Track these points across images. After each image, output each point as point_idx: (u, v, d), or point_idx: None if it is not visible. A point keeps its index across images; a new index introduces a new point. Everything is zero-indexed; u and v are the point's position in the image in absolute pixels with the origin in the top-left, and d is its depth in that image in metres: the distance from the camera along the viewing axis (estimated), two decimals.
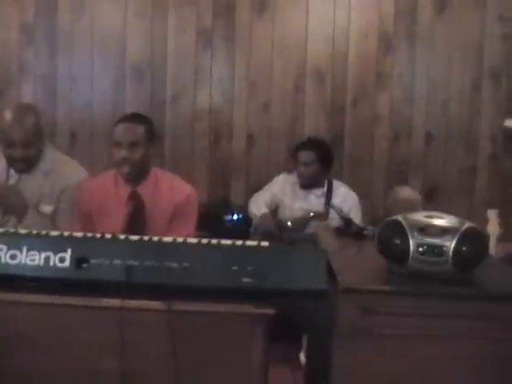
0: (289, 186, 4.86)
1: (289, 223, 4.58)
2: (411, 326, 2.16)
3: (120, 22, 5.26)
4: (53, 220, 3.39)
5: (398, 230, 2.26)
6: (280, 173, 5.00)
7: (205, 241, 2.24)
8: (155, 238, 2.29)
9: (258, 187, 5.08)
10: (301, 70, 5.26)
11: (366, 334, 2.15)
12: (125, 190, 3.30)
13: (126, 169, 3.25)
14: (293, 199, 4.82)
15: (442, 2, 5.16)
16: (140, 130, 3.29)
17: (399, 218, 2.30)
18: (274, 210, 4.85)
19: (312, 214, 4.64)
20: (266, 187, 4.97)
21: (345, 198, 4.70)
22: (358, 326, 2.15)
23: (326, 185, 4.79)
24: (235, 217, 5.09)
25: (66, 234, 2.32)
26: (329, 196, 4.75)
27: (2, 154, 3.45)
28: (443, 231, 2.23)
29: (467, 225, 2.27)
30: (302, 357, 4.35)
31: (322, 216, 4.62)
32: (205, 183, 5.32)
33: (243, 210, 5.10)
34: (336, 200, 4.68)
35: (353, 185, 4.96)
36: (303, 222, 4.62)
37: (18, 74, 5.36)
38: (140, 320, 2.17)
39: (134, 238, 2.28)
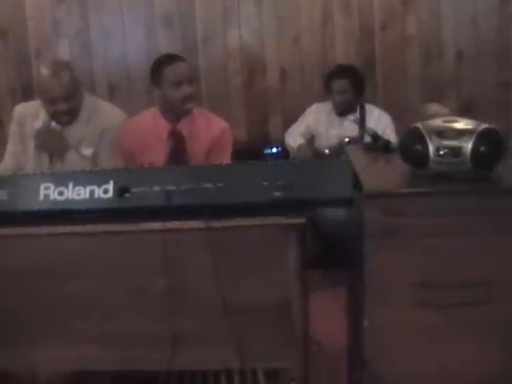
0: (323, 114, 4.97)
1: (326, 151, 4.71)
2: (436, 224, 2.27)
3: None
4: (94, 162, 3.57)
5: (417, 135, 2.36)
6: (312, 103, 5.10)
7: (236, 163, 2.38)
8: (189, 166, 2.45)
9: (294, 119, 5.19)
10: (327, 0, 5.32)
11: (393, 234, 2.27)
12: (165, 127, 3.48)
13: (191, 105, 3.46)
14: (328, 127, 4.93)
15: None
16: (190, 66, 3.60)
17: (418, 124, 2.41)
18: (310, 139, 4.97)
19: (347, 139, 4.75)
20: (300, 118, 5.08)
21: (379, 120, 4.79)
22: (384, 228, 2.27)
23: (358, 109, 4.88)
24: (274, 150, 5.22)
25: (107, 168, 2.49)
26: (363, 120, 4.83)
27: (42, 109, 3.62)
28: (460, 133, 2.33)
29: (484, 126, 2.36)
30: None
31: (358, 140, 4.73)
32: (243, 121, 5.46)
33: (282, 143, 5.23)
34: (370, 123, 4.75)
35: (387, 107, 5.06)
36: (340, 148, 4.73)
37: (52, 33, 5.52)
38: (181, 240, 2.34)
39: (171, 166, 2.45)
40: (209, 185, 2.32)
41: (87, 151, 3.57)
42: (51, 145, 3.56)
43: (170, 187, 2.34)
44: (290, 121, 5.30)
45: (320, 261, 3.40)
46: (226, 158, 3.49)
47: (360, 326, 2.40)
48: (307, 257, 2.37)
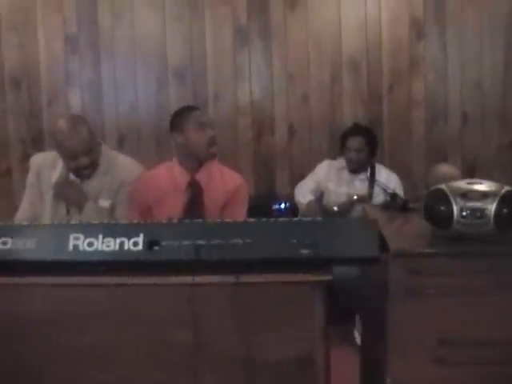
0: (333, 171, 5.05)
1: (335, 208, 4.77)
2: (457, 284, 2.33)
3: (159, 26, 5.49)
4: (111, 214, 3.61)
5: (442, 196, 2.43)
6: (323, 160, 5.19)
7: (264, 219, 2.43)
8: (219, 220, 2.50)
9: (301, 176, 5.29)
10: (336, 60, 5.46)
11: (416, 293, 2.32)
12: (183, 178, 3.52)
13: (214, 149, 3.52)
14: (338, 184, 5.00)
15: None
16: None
17: (442, 186, 2.48)
18: (319, 197, 5.04)
19: (356, 197, 4.83)
20: (310, 175, 5.16)
21: (388, 179, 4.87)
22: (408, 287, 2.33)
23: (369, 169, 4.98)
24: (282, 206, 5.29)
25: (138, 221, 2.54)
26: (372, 179, 4.93)
27: (59, 160, 3.66)
28: (484, 195, 2.40)
29: (506, 188, 2.43)
30: (357, 335, 4.53)
31: (366, 198, 4.81)
32: (251, 176, 5.51)
33: (289, 199, 5.30)
34: (379, 183, 4.86)
35: (393, 168, 5.14)
36: (349, 205, 4.80)
37: (64, 84, 5.61)
38: (209, 294, 2.37)
39: (200, 220, 2.50)
40: (238, 240, 2.36)
41: (105, 203, 3.60)
42: (70, 196, 3.60)
43: (200, 242, 2.38)
44: (296, 177, 5.39)
45: (342, 318, 3.46)
46: (241, 213, 3.54)
47: (381, 381, 2.43)
48: (331, 314, 2.40)
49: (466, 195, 2.41)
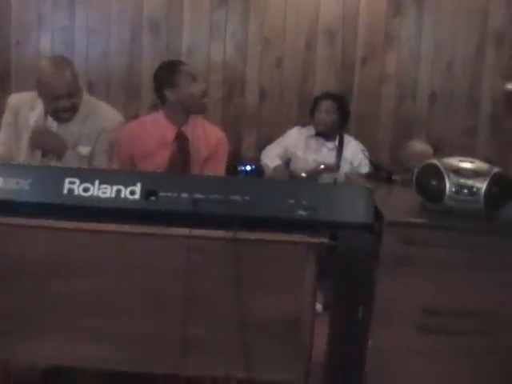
0: (302, 138, 5.09)
1: (303, 174, 4.82)
2: (446, 256, 2.41)
3: None
4: (89, 161, 3.59)
5: (436, 171, 2.50)
6: (293, 126, 5.23)
7: (265, 178, 2.47)
8: (217, 176, 2.52)
9: (268, 140, 5.32)
10: (312, 27, 5.47)
11: (407, 263, 2.40)
12: (171, 130, 3.56)
13: (206, 99, 3.66)
14: (306, 151, 5.05)
15: None
16: None
17: (435, 161, 2.54)
18: (287, 162, 5.08)
19: (323, 166, 4.89)
20: (279, 140, 5.19)
21: (355, 150, 4.94)
22: (399, 256, 2.40)
23: (337, 139, 5.04)
24: (248, 168, 5.30)
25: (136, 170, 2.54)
26: (340, 149, 4.99)
27: (38, 101, 3.62)
28: (476, 173, 2.48)
29: (496, 169, 2.52)
30: (318, 305, 4.61)
31: (333, 168, 4.88)
32: (223, 135, 5.50)
33: (254, 161, 5.32)
34: (347, 153, 4.95)
35: (359, 139, 5.20)
36: (316, 173, 4.86)
37: (36, 26, 5.50)
38: (204, 247, 2.40)
39: (200, 175, 2.51)
40: (236, 197, 2.39)
41: (84, 150, 3.58)
42: (48, 145, 3.56)
43: (198, 195, 2.40)
44: (263, 141, 5.42)
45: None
46: (222, 167, 3.65)
47: (360, 344, 2.51)
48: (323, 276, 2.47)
49: (458, 172, 2.49)
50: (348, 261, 2.81)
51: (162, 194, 2.41)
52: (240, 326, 2.38)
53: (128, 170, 2.52)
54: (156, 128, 3.59)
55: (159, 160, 3.47)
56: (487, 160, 2.58)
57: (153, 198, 2.42)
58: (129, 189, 2.42)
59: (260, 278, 2.41)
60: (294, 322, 2.43)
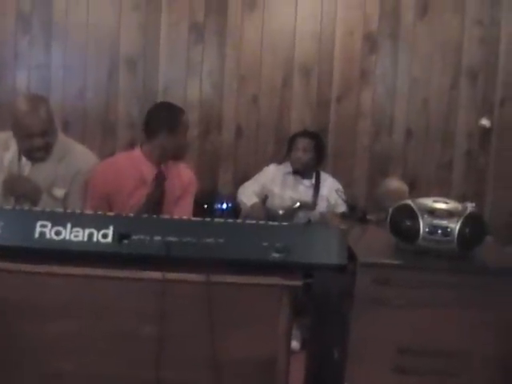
0: (279, 175, 5.10)
1: (280, 212, 4.82)
2: (421, 296, 2.42)
3: (115, 14, 5.44)
4: (64, 203, 3.56)
5: (409, 212, 2.51)
6: (270, 163, 5.24)
7: (238, 220, 2.46)
8: (191, 218, 2.52)
9: (244, 177, 5.33)
10: (288, 65, 5.51)
11: (381, 303, 2.40)
12: (149, 169, 3.60)
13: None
14: (283, 188, 5.05)
15: (425, 5, 5.44)
16: None
17: (409, 202, 2.56)
18: (264, 199, 5.07)
19: (298, 203, 4.89)
20: (256, 177, 5.19)
21: (332, 188, 4.95)
22: (373, 297, 2.40)
23: (314, 176, 5.05)
24: (224, 206, 5.30)
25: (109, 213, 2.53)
26: (317, 186, 5.00)
27: (12, 141, 3.60)
28: (450, 214, 2.50)
29: (470, 209, 2.53)
30: (295, 343, 4.59)
31: (310, 206, 4.89)
32: (194, 173, 5.51)
33: (231, 199, 5.31)
34: (324, 190, 4.96)
35: (335, 177, 5.22)
36: (292, 211, 4.86)
37: (13, 63, 5.49)
38: (178, 291, 2.37)
39: (172, 217, 2.50)
40: (210, 239, 2.38)
41: (59, 192, 3.56)
42: (22, 191, 3.52)
43: (171, 238, 2.38)
44: (240, 178, 5.43)
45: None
46: (191, 204, 3.76)
47: None
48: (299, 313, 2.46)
49: (432, 212, 2.50)
50: (323, 301, 2.81)
51: (134, 237, 2.39)
52: (214, 368, 2.35)
53: (100, 213, 2.48)
54: (134, 166, 3.61)
55: (136, 199, 3.49)
56: (463, 196, 2.59)
57: (125, 241, 2.39)
58: (101, 232, 2.40)
59: (234, 320, 2.39)
60: (269, 363, 2.40)
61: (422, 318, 2.43)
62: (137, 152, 3.67)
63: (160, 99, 5.43)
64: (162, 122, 3.62)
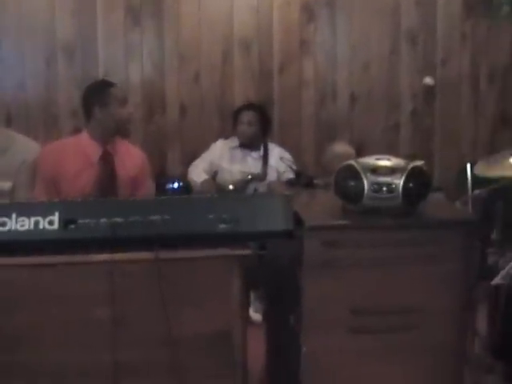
0: (227, 150, 5.10)
1: (230, 186, 4.81)
2: (369, 255, 2.44)
3: (48, 1, 5.33)
4: (11, 196, 3.52)
5: (353, 172, 2.52)
6: (216, 139, 5.23)
7: (182, 196, 2.45)
8: (135, 198, 2.50)
9: (193, 155, 5.30)
10: (228, 39, 5.46)
11: (331, 265, 2.42)
12: (96, 150, 3.60)
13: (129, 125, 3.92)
14: (231, 163, 5.06)
15: None
16: None
17: (352, 162, 2.57)
18: (213, 175, 5.08)
19: (250, 176, 4.90)
20: (204, 154, 5.18)
21: (283, 160, 4.95)
22: (323, 259, 2.42)
23: (262, 148, 5.06)
24: (175, 185, 5.27)
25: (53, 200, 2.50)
26: (266, 158, 5.01)
27: None
28: (393, 170, 2.51)
29: (413, 164, 2.54)
30: (252, 312, 4.61)
31: (260, 177, 4.89)
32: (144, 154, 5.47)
33: (181, 178, 5.29)
34: (272, 161, 4.97)
35: (284, 146, 5.23)
36: (243, 184, 4.86)
37: None
38: (128, 271, 2.37)
39: (117, 198, 2.48)
40: (156, 217, 2.37)
41: (6, 185, 3.50)
42: None
43: (117, 219, 2.37)
44: (188, 156, 5.39)
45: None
46: (151, 183, 3.78)
47: (294, 352, 2.51)
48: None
49: (375, 171, 2.51)
50: (276, 270, 2.83)
51: (80, 221, 2.38)
52: (170, 345, 2.35)
53: (44, 200, 2.47)
54: (79, 147, 3.61)
55: (84, 180, 3.49)
56: (413, 157, 2.60)
57: (72, 226, 2.38)
58: (47, 219, 2.39)
59: (186, 295, 2.40)
60: (226, 336, 2.42)
61: (373, 277, 2.45)
62: (83, 135, 3.70)
63: None
64: (92, 98, 3.64)
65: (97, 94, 3.64)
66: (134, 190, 3.55)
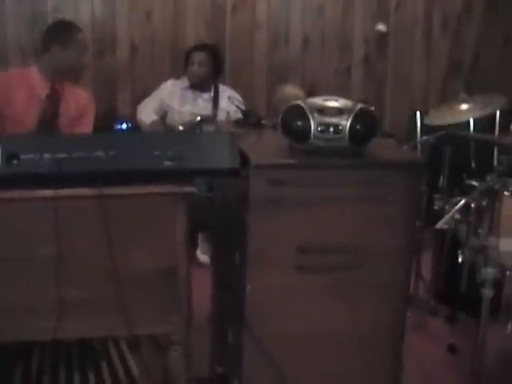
0: (177, 91, 5.05)
1: (180, 127, 4.78)
2: (315, 194, 2.44)
3: None
4: None
5: (300, 112, 2.50)
6: (168, 79, 5.17)
7: (127, 132, 2.43)
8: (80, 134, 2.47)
9: (143, 96, 5.24)
10: None
11: (277, 204, 2.42)
12: (43, 85, 3.59)
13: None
14: (181, 103, 5.02)
15: None
16: None
17: (300, 102, 2.55)
18: (163, 116, 5.03)
19: (199, 118, 4.86)
20: (154, 94, 5.13)
21: (231, 100, 4.92)
22: (269, 198, 2.41)
23: (212, 89, 5.02)
24: (124, 126, 5.21)
25: None
26: (216, 99, 4.98)
27: None
28: (340, 111, 2.50)
29: (360, 106, 2.54)
30: (200, 254, 4.64)
31: (210, 119, 4.86)
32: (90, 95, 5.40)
33: (131, 119, 5.24)
34: (223, 103, 4.93)
35: (235, 88, 5.21)
36: (193, 125, 4.83)
37: None
38: (72, 207, 2.34)
39: (61, 134, 2.44)
40: (100, 153, 2.34)
41: None
42: None
43: (61, 155, 2.33)
44: (138, 97, 5.34)
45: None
46: (91, 124, 3.71)
47: (239, 290, 2.53)
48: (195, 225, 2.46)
49: (322, 111, 2.50)
50: (222, 210, 2.82)
51: (23, 156, 2.33)
52: (115, 281, 2.35)
53: None
54: (27, 80, 3.60)
55: (30, 116, 3.45)
56: (364, 103, 2.59)
57: (14, 161, 2.33)
58: None
59: (131, 231, 2.38)
60: (170, 274, 2.41)
61: (319, 215, 2.46)
62: (32, 69, 3.66)
63: (50, 22, 5.26)
64: (55, 35, 3.60)
65: (62, 33, 3.60)
66: (72, 129, 3.53)
